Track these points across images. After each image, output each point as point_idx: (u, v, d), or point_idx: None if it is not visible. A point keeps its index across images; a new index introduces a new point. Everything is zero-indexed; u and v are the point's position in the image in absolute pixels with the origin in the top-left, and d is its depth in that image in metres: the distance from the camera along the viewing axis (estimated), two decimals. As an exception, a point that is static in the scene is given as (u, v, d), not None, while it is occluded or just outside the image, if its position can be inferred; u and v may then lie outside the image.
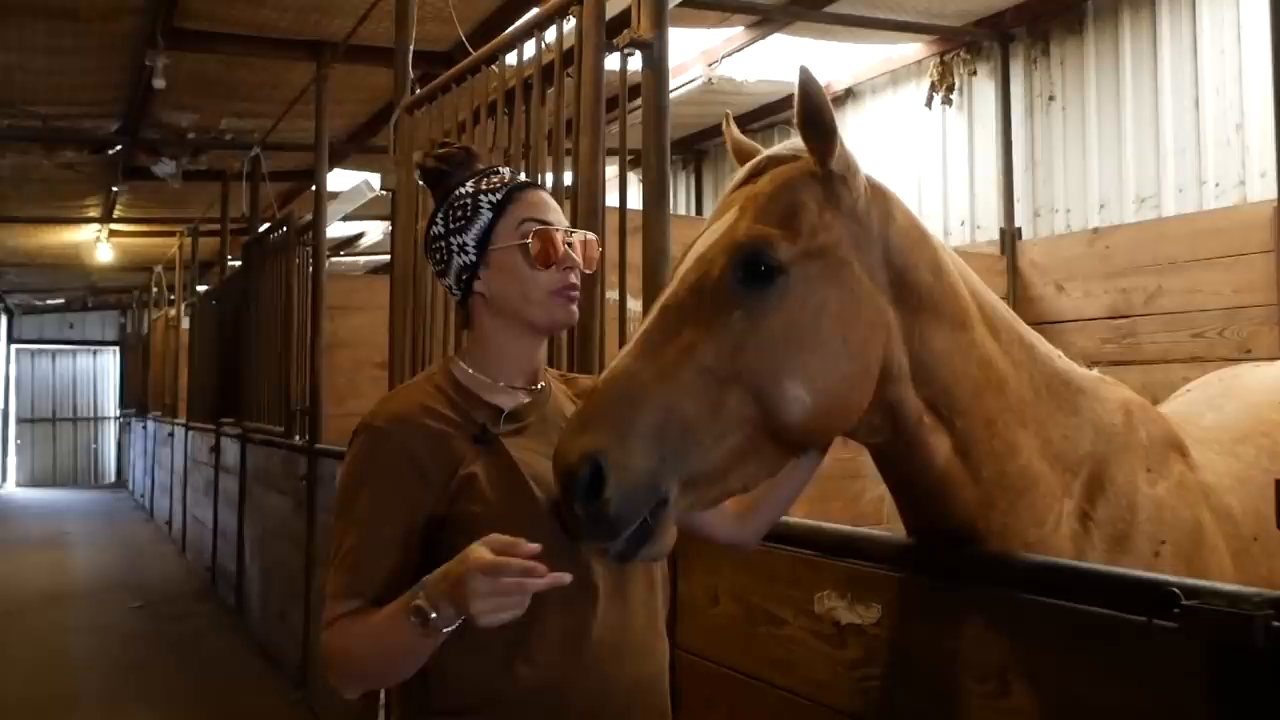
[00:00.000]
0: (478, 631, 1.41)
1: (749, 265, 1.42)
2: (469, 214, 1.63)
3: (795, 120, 1.48)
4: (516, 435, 1.60)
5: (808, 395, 1.40)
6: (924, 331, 1.54)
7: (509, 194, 1.64)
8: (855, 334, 1.46)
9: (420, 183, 1.81)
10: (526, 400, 1.65)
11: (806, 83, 1.44)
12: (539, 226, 1.61)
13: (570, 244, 1.63)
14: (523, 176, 1.74)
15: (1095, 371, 1.87)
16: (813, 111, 1.45)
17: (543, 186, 1.77)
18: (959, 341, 1.57)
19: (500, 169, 1.72)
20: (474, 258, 1.62)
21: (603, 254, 2.66)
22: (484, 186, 1.65)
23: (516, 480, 1.53)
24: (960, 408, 1.56)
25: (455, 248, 1.63)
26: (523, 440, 1.59)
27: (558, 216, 1.67)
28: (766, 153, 1.60)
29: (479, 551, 1.30)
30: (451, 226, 1.64)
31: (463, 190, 1.65)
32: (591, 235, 1.72)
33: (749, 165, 1.59)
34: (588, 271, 1.69)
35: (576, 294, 1.65)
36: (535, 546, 1.31)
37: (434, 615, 1.33)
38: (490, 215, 1.62)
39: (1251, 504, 1.90)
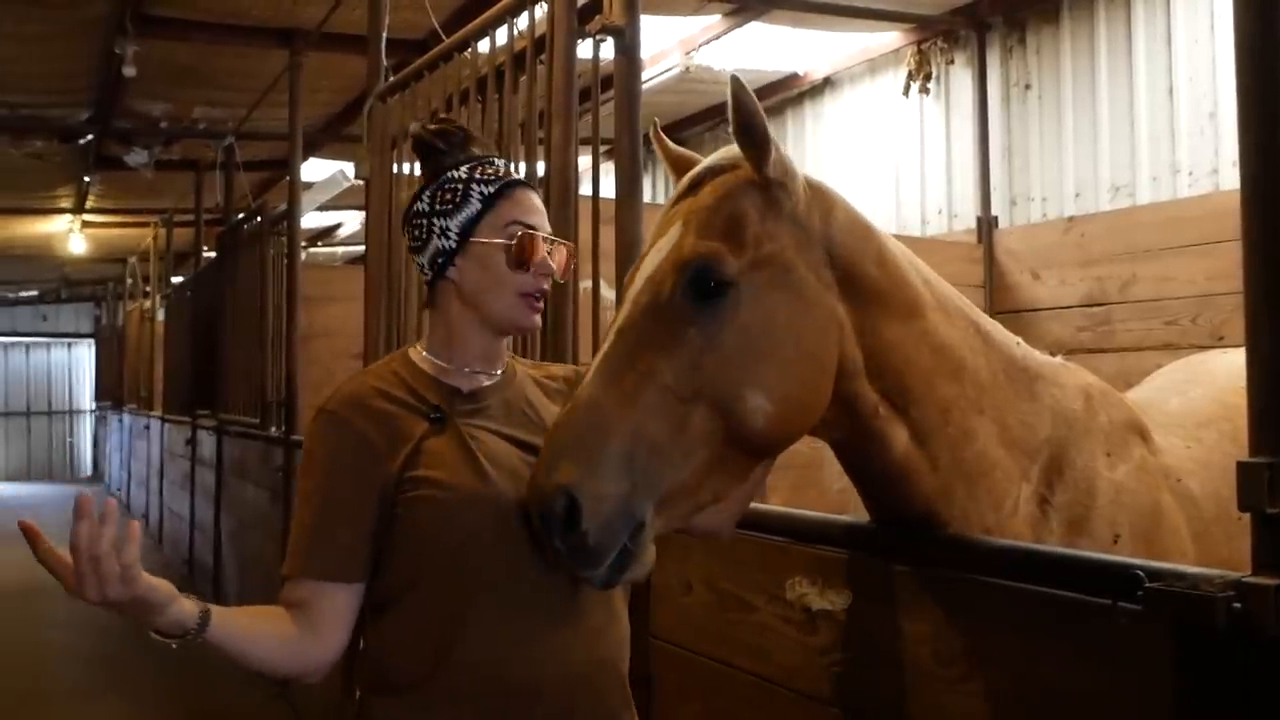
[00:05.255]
0: (414, 615, 1.50)
1: (698, 282, 1.43)
2: (458, 200, 1.63)
3: (731, 129, 1.49)
4: (474, 416, 1.61)
5: (769, 403, 1.42)
6: (875, 324, 1.55)
7: (502, 189, 1.64)
8: (808, 337, 1.48)
9: (412, 154, 1.84)
10: (485, 384, 1.67)
11: (738, 92, 1.45)
12: (524, 230, 1.62)
13: (550, 251, 1.65)
14: (520, 173, 1.75)
15: (1058, 359, 1.88)
16: (746, 120, 1.46)
17: (535, 188, 1.79)
18: (910, 330, 1.58)
19: (495, 160, 1.72)
20: (454, 244, 1.63)
21: (575, 242, 2.68)
22: (478, 175, 1.65)
23: (467, 455, 1.55)
24: (914, 396, 1.57)
25: (437, 230, 1.63)
26: (480, 421, 1.61)
27: (543, 221, 1.68)
28: (705, 163, 1.60)
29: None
30: (438, 208, 1.64)
31: (456, 174, 1.65)
32: (569, 245, 1.74)
33: (688, 177, 1.59)
34: (560, 281, 1.73)
35: (542, 301, 1.67)
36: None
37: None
38: (479, 206, 1.63)
39: (1212, 486, 1.91)
